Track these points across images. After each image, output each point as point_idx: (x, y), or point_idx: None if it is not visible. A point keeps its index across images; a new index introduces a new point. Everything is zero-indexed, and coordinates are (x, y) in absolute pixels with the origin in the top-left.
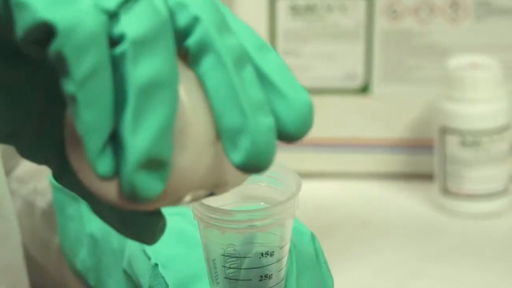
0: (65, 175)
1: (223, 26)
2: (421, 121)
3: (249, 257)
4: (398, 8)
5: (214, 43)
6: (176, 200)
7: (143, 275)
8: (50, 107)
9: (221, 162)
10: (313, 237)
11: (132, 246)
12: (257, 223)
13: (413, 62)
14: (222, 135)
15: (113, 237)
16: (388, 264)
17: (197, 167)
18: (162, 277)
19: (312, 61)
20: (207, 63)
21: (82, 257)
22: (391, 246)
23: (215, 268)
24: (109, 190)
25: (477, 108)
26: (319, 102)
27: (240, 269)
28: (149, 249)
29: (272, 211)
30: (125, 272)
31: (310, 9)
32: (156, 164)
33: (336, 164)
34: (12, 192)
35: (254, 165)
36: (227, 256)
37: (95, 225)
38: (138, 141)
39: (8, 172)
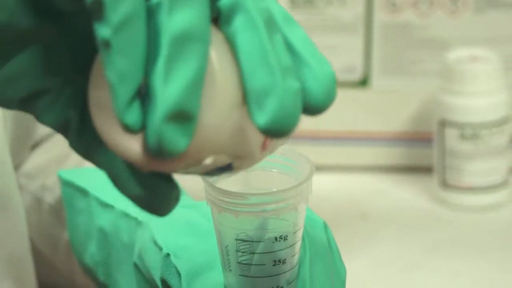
0: (83, 140)
1: None
2: (420, 114)
3: (262, 241)
4: (397, 1)
5: (246, 3)
6: (197, 161)
7: (155, 267)
8: (75, 70)
9: (245, 130)
10: (325, 226)
11: (143, 238)
12: (271, 206)
13: (413, 55)
14: (249, 96)
15: (123, 231)
16: (387, 256)
17: (221, 128)
18: (175, 266)
19: None
20: (238, 22)
21: (92, 252)
22: (390, 238)
23: (228, 255)
24: (133, 147)
25: (476, 101)
26: None
27: (254, 253)
28: (160, 240)
29: (286, 195)
30: (135, 265)
31: (309, 2)
32: (183, 117)
33: (335, 157)
34: (20, 188)
35: (278, 128)
36: (240, 241)
37: (105, 219)
38: (169, 90)
39: (16, 167)
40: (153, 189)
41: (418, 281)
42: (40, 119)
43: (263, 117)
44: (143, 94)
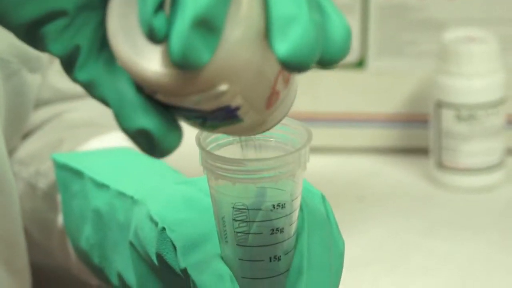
0: (91, 68)
1: None
2: (416, 95)
3: (260, 210)
4: None
5: None
6: (212, 85)
7: (150, 243)
8: None
9: (260, 72)
10: (323, 198)
11: (139, 216)
12: (268, 172)
13: (409, 37)
14: (273, 23)
15: (119, 211)
16: (383, 238)
17: (241, 53)
18: (170, 240)
19: None
20: None
21: (87, 235)
22: (386, 220)
23: (224, 226)
24: (151, 65)
25: (473, 82)
26: (314, 77)
27: (251, 221)
28: (156, 215)
29: (283, 161)
30: (131, 244)
31: None
32: (209, 27)
33: (331, 138)
34: (14, 175)
35: (298, 58)
36: (237, 209)
37: (100, 199)
38: None
39: (8, 153)
40: (161, 122)
41: (415, 261)
42: (48, 47)
43: (285, 45)
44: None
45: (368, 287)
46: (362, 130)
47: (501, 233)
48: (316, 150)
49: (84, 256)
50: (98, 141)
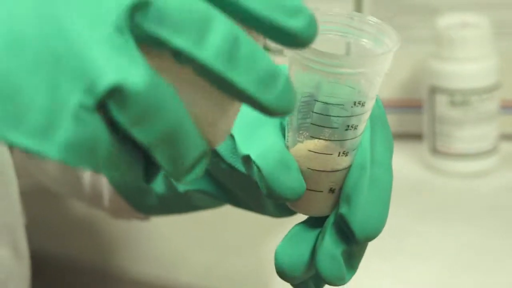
0: None
1: None
2: (410, 80)
3: (342, 105)
4: None
5: None
6: None
7: None
8: None
9: None
10: (377, 100)
11: None
12: (356, 69)
13: (403, 22)
14: None
15: None
16: None
17: None
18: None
19: None
20: None
21: None
22: None
23: (305, 118)
24: None
25: (466, 67)
26: None
27: (329, 116)
28: None
29: (377, 60)
30: None
31: None
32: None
33: None
34: None
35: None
36: (321, 103)
37: None
38: None
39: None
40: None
41: (408, 247)
42: None
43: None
44: None
45: (360, 273)
46: None
47: (494, 219)
48: None
49: None
50: None
